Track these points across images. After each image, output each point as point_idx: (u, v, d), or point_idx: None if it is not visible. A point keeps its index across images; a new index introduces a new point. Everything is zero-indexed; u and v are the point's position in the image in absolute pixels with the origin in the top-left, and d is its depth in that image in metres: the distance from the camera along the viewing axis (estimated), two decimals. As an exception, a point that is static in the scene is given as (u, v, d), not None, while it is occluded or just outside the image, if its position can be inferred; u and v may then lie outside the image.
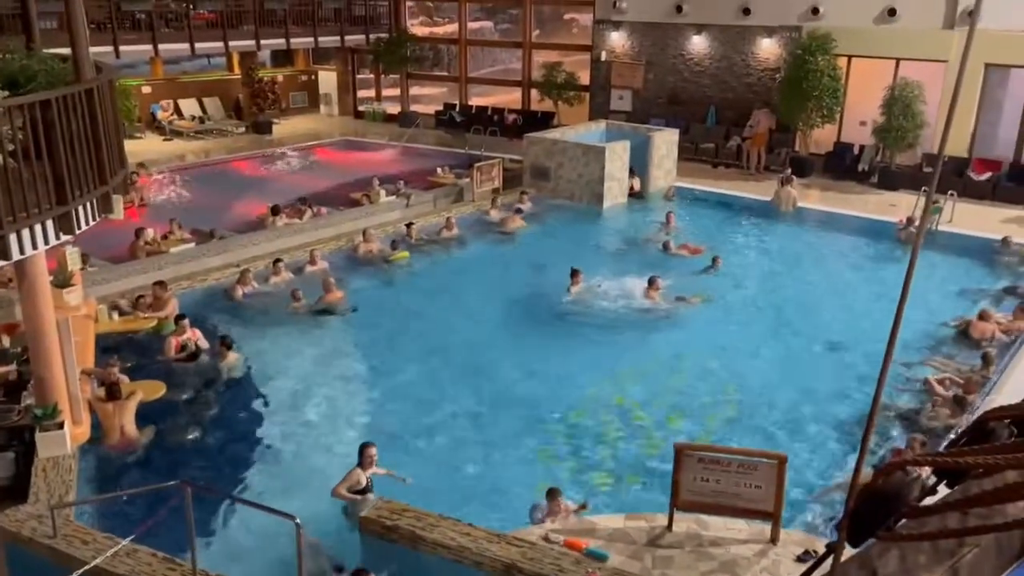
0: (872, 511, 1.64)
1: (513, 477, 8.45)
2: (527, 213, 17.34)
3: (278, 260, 13.44)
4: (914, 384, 10.31)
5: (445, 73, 28.31)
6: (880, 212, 17.42)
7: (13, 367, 9.12)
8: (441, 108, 26.64)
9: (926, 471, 1.81)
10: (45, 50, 8.30)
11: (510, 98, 26.96)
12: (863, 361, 10.91)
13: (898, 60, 19.47)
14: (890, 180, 19.30)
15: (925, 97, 18.51)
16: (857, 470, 1.85)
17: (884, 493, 1.63)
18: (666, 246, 15.13)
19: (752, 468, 6.99)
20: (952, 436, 8.81)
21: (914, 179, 18.56)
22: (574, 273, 12.99)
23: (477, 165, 18.43)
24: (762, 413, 9.81)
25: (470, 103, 26.96)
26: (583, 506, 7.67)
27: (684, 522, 7.28)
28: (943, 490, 1.98)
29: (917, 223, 15.82)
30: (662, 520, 7.31)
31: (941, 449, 7.52)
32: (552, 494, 7.58)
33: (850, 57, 20.14)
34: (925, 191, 16.94)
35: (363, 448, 7.99)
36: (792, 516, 7.66)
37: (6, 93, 6.48)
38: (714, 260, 14.24)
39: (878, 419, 9.38)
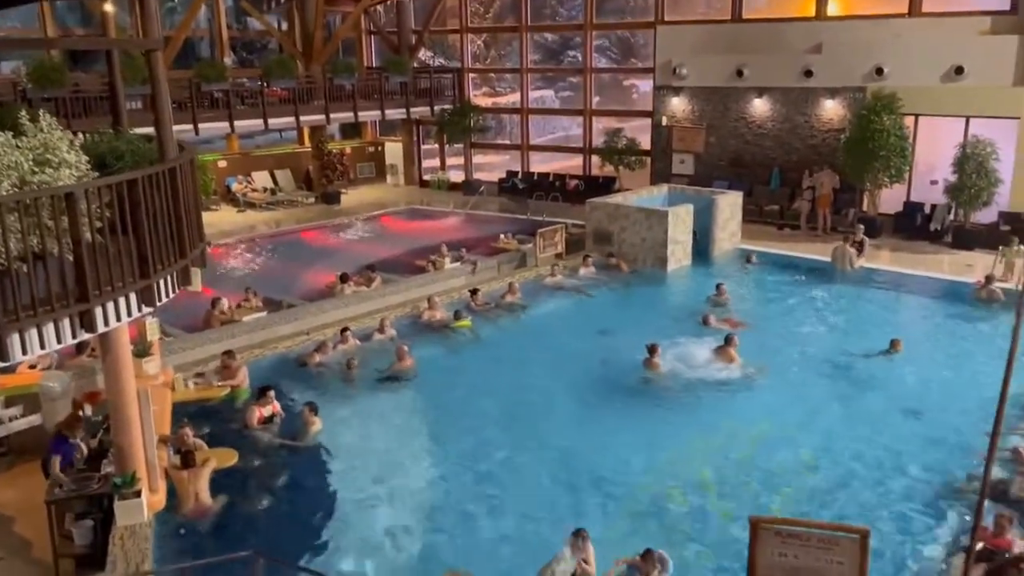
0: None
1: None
2: (589, 277, 17.38)
3: (346, 328, 13.67)
4: (1002, 453, 9.81)
5: (507, 141, 28.88)
6: (956, 273, 16.94)
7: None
8: (504, 175, 27.11)
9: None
10: (131, 130, 8.76)
11: (571, 164, 27.29)
12: (943, 427, 10.51)
13: (968, 118, 19.13)
14: (965, 240, 18.79)
15: (999, 154, 18.10)
16: (968, 559, 1.76)
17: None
18: (706, 320, 14.45)
19: (833, 543, 6.68)
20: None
21: (991, 238, 18.03)
22: (652, 349, 12.58)
23: (540, 231, 18.60)
24: (840, 484, 9.45)
25: (532, 170, 27.37)
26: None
27: (762, 599, 6.98)
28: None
29: (996, 284, 15.29)
30: (739, 597, 7.04)
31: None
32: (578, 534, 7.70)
33: (917, 116, 19.87)
34: (1002, 251, 16.46)
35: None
36: (877, 594, 7.30)
37: (96, 173, 6.83)
38: (893, 343, 13.04)
39: (967, 492, 8.97)
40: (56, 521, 7.97)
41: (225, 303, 14.47)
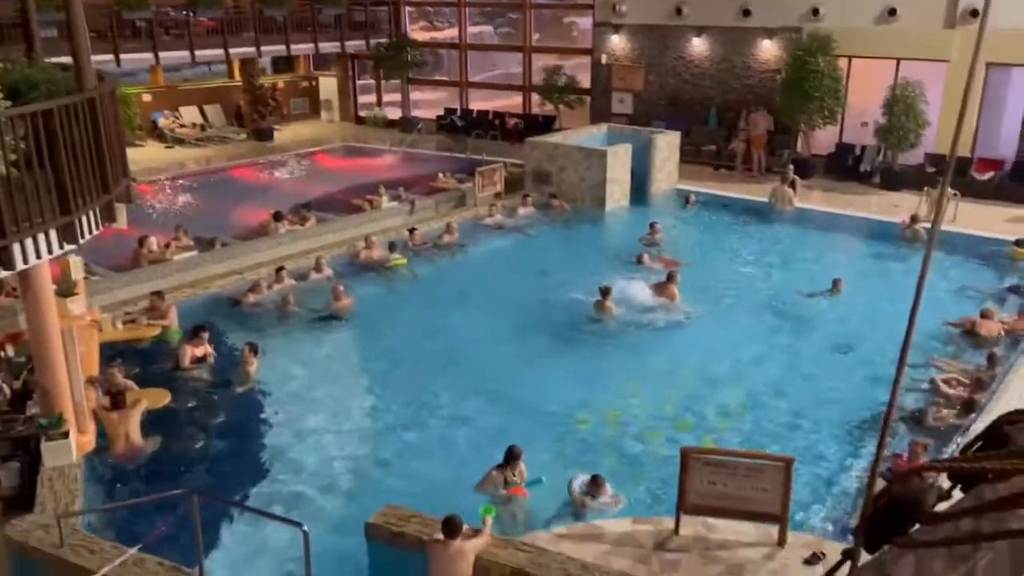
0: (889, 518, 1.63)
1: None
2: (528, 217, 17.37)
3: (281, 268, 13.44)
4: (919, 384, 10.28)
5: (446, 78, 28.35)
6: (883, 212, 17.41)
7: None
8: (442, 113, 26.67)
9: (941, 476, 1.79)
10: (46, 59, 8.31)
11: (511, 102, 26.98)
12: (868, 362, 10.90)
13: (899, 60, 19.46)
14: (893, 180, 19.29)
15: (927, 97, 18.51)
16: (872, 476, 1.83)
17: (901, 500, 1.61)
18: (640, 259, 14.52)
19: (759, 471, 6.97)
20: (961, 438, 8.79)
21: (917, 179, 18.54)
22: (605, 291, 12.44)
23: (479, 170, 18.42)
24: (768, 416, 9.79)
25: (471, 108, 26.99)
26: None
27: (691, 525, 7.26)
28: (958, 494, 1.96)
29: (921, 224, 15.79)
30: (669, 524, 7.29)
31: (955, 452, 7.51)
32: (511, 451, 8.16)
33: (850, 58, 20.13)
34: (927, 191, 16.97)
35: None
36: (800, 519, 7.63)
37: (8, 103, 6.48)
38: (834, 283, 13.19)
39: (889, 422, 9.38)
40: (-19, 464, 7.78)
41: (153, 242, 14.06)
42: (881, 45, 19.61)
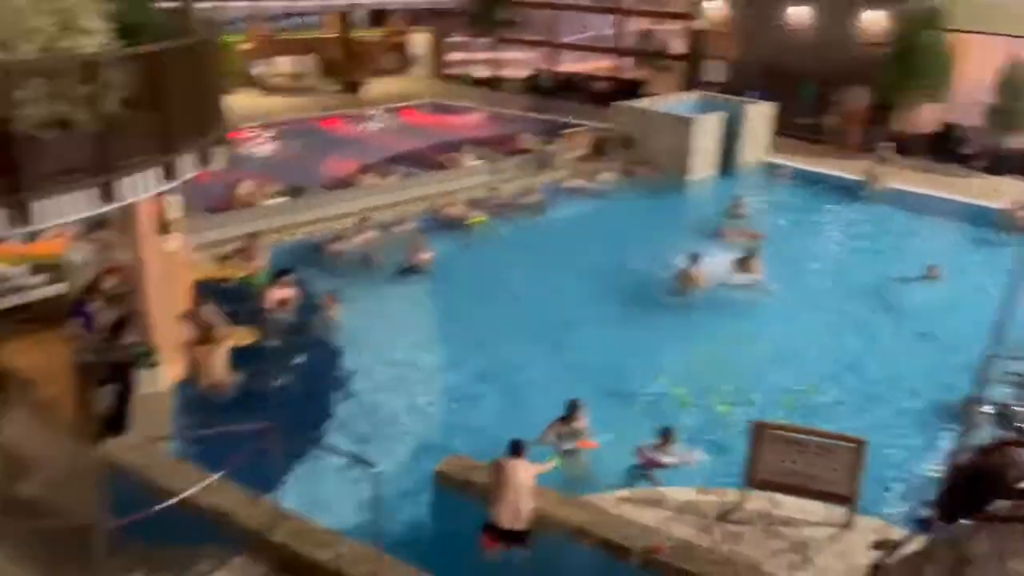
0: (969, 490, 1.61)
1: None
2: (610, 182, 17.21)
3: (365, 219, 13.71)
4: (1011, 377, 9.85)
5: (536, 38, 28.10)
6: (984, 197, 16.63)
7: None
8: (531, 73, 26.48)
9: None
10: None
11: (600, 65, 26.60)
12: (956, 350, 10.51)
13: (1014, 38, 18.38)
14: (997, 164, 18.37)
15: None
16: (955, 454, 1.80)
17: (983, 473, 1.59)
18: (722, 232, 14.29)
19: (830, 451, 6.86)
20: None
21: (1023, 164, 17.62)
22: (694, 259, 12.28)
23: (564, 132, 18.32)
24: (846, 396, 9.60)
25: (560, 69, 26.72)
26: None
27: (757, 500, 7.21)
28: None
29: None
30: (734, 496, 7.26)
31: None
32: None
33: (961, 33, 19.11)
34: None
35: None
36: (869, 502, 7.48)
37: (124, 42, 6.74)
38: (929, 269, 12.81)
39: (971, 412, 9.06)
40: (81, 385, 8.25)
41: (247, 186, 14.50)
42: (995, 21, 18.53)
